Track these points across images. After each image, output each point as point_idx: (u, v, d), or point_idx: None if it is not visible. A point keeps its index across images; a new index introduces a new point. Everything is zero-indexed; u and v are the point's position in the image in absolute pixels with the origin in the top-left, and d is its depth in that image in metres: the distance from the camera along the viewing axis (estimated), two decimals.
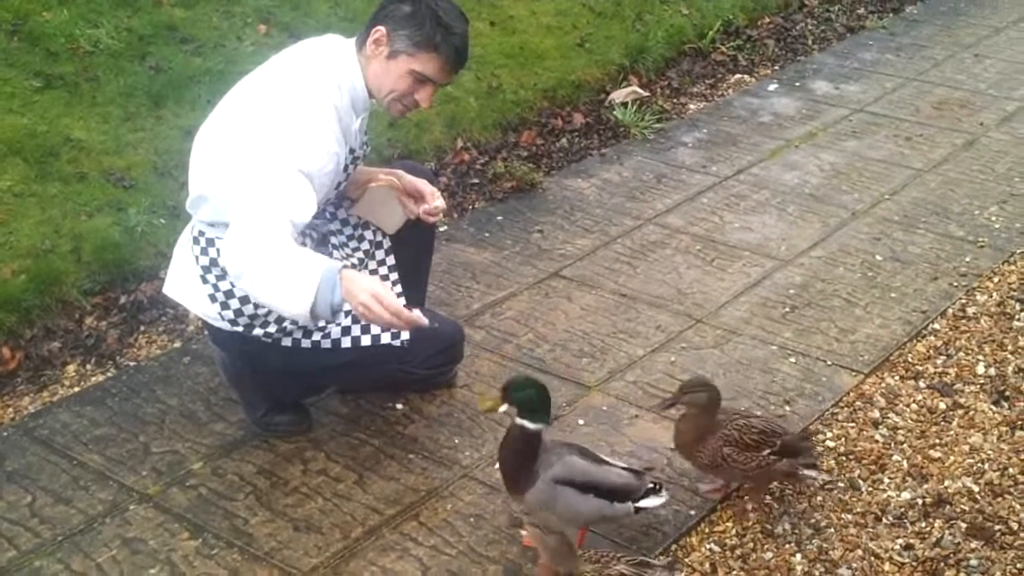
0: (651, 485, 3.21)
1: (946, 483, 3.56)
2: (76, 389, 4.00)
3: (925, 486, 3.55)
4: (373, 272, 3.74)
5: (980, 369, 4.12)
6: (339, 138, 3.36)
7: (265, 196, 3.17)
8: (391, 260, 3.77)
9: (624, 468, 3.19)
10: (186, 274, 3.54)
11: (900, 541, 3.33)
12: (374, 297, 3.07)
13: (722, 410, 3.35)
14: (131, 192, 4.81)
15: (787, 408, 3.90)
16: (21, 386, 4.01)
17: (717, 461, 3.28)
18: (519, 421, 3.08)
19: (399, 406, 3.89)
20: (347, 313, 3.52)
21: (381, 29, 3.36)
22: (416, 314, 3.15)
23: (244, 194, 3.20)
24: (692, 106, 6.60)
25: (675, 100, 6.64)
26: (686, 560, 3.25)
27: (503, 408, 3.11)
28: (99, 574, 3.18)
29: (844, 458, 3.67)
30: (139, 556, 3.25)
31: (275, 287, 3.09)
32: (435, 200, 3.73)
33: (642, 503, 3.17)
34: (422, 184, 3.74)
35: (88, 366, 4.13)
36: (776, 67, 7.23)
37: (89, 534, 3.33)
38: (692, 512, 3.42)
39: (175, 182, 4.78)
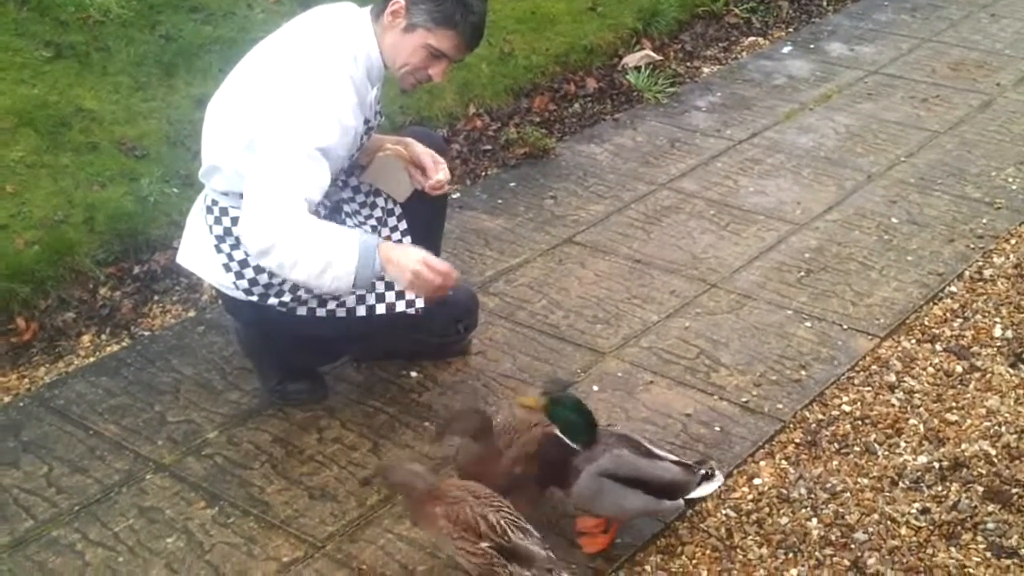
0: (708, 471, 3.14)
1: (963, 446, 3.55)
2: (91, 359, 4.01)
3: (942, 450, 3.54)
4: (386, 239, 3.72)
5: (997, 332, 4.10)
6: (355, 111, 3.34)
7: (280, 175, 3.17)
8: (403, 226, 3.76)
9: (675, 461, 3.10)
10: (200, 243, 3.53)
11: (917, 505, 3.33)
12: (424, 264, 3.21)
13: (504, 429, 3.17)
14: (143, 162, 4.80)
15: (803, 373, 3.88)
16: (36, 356, 4.02)
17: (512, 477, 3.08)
18: (559, 433, 3.03)
19: (413, 374, 3.89)
20: None
21: (400, 1, 3.32)
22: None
23: (259, 173, 3.20)
24: (706, 70, 6.55)
25: (688, 64, 6.59)
26: (701, 525, 3.25)
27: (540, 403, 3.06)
28: (116, 543, 3.20)
29: (860, 422, 3.66)
30: (156, 525, 3.26)
31: (312, 269, 3.16)
32: (437, 173, 3.69)
33: (694, 494, 3.11)
34: (424, 157, 3.69)
35: (103, 336, 4.14)
36: (790, 29, 7.16)
37: (106, 503, 3.34)
38: (713, 463, 3.41)
39: (187, 151, 4.77)
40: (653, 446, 3.13)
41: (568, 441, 3.02)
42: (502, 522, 2.84)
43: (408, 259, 3.21)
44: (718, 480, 3.16)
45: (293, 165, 3.18)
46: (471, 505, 2.86)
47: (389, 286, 3.54)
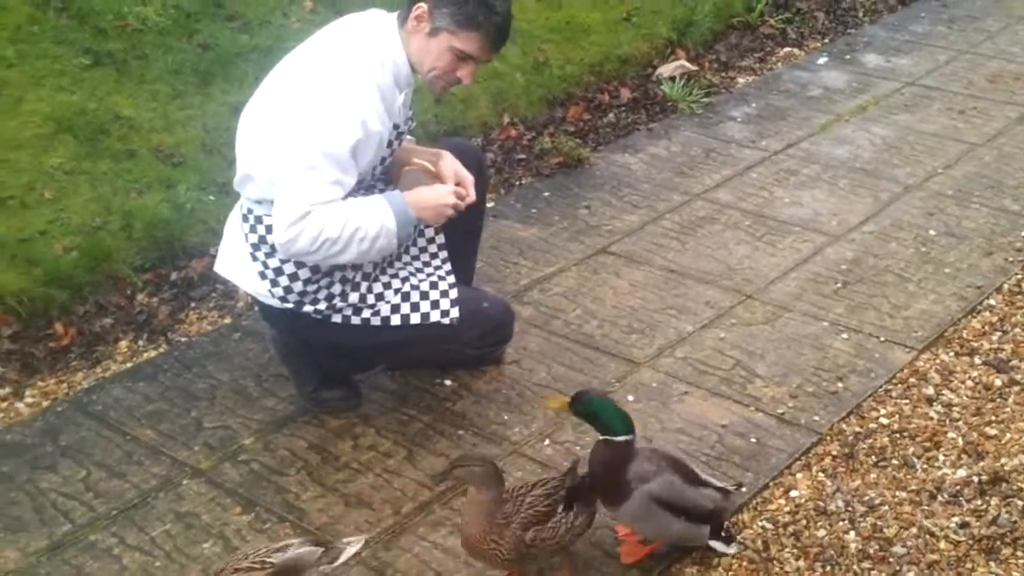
0: (730, 531, 3.15)
1: (1002, 460, 3.51)
2: (128, 365, 4.03)
3: (981, 463, 3.50)
4: (423, 250, 3.73)
5: None
6: (382, 117, 3.35)
7: (304, 180, 3.23)
8: (440, 238, 3.76)
9: (716, 488, 3.06)
10: (236, 252, 3.55)
11: (956, 519, 3.29)
12: (443, 206, 3.46)
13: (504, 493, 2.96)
14: (180, 169, 4.83)
15: (840, 385, 3.86)
16: (74, 362, 4.04)
17: (523, 550, 2.90)
18: (600, 437, 2.99)
19: (448, 382, 3.89)
20: (396, 291, 3.53)
21: (423, 6, 3.33)
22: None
23: (285, 178, 3.26)
24: (741, 80, 6.53)
25: (723, 74, 6.58)
26: (738, 538, 3.23)
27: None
28: (153, 548, 3.21)
29: (898, 435, 3.63)
30: (192, 530, 3.27)
31: (362, 247, 3.32)
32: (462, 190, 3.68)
33: (713, 543, 3.11)
34: (447, 177, 3.67)
35: (140, 342, 4.16)
36: (826, 40, 7.14)
37: (143, 508, 3.36)
38: (744, 489, 3.39)
39: (224, 159, 4.80)
40: (699, 469, 3.10)
41: (610, 437, 2.95)
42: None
43: (433, 202, 3.45)
44: (734, 548, 3.15)
45: (323, 169, 3.23)
46: None
47: (424, 296, 3.55)
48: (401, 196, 3.42)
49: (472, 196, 3.63)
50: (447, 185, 3.51)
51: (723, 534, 3.14)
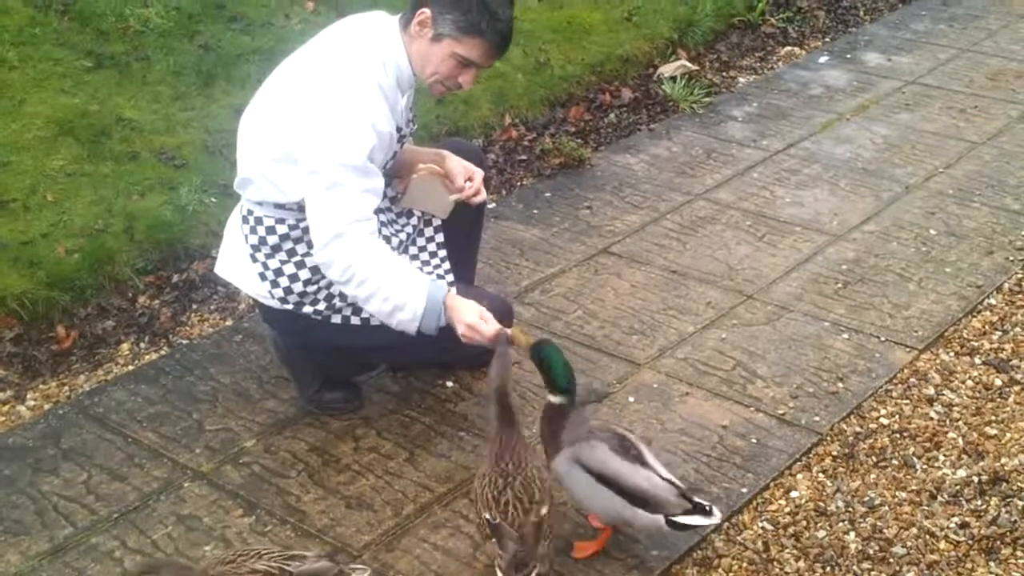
0: (703, 505, 3.00)
1: (1003, 460, 3.51)
2: (130, 367, 4.04)
3: (981, 463, 3.51)
4: (422, 249, 3.74)
5: None
6: (388, 117, 3.35)
7: (338, 198, 3.23)
8: (440, 237, 3.77)
9: (666, 479, 3.00)
10: (236, 253, 3.56)
11: (956, 519, 3.30)
12: (471, 328, 3.27)
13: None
14: (182, 171, 4.84)
15: (840, 385, 3.86)
16: (76, 364, 4.05)
17: None
18: (548, 396, 3.11)
19: (449, 384, 3.90)
20: None
21: (426, 11, 3.33)
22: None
23: (318, 197, 3.25)
24: (742, 79, 6.53)
25: (724, 74, 6.58)
26: (738, 538, 3.23)
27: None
28: (154, 551, 3.22)
29: (898, 435, 3.64)
30: (194, 533, 3.28)
31: (383, 307, 3.29)
32: (470, 185, 3.68)
33: (681, 519, 2.98)
34: (456, 174, 3.68)
35: (142, 344, 4.17)
36: (827, 39, 7.14)
37: (144, 511, 3.36)
38: (744, 490, 3.40)
39: (226, 161, 4.81)
40: (651, 455, 3.06)
41: (551, 398, 3.08)
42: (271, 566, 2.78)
43: (458, 319, 3.28)
44: (714, 518, 3.01)
45: (349, 184, 3.22)
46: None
47: None
48: (444, 290, 3.32)
49: (480, 189, 3.69)
50: (493, 325, 3.30)
51: (701, 506, 3.01)
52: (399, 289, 3.25)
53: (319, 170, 3.23)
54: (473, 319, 3.27)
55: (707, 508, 3.00)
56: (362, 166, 3.25)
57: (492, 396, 3.06)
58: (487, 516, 2.93)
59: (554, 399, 3.10)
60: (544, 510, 2.93)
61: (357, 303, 3.37)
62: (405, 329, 3.32)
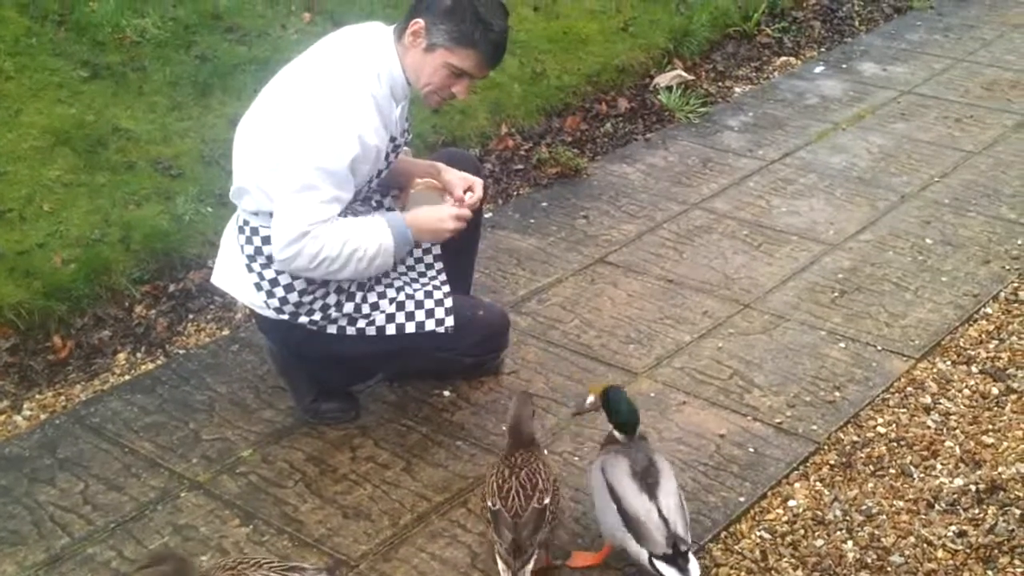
0: (683, 558, 2.90)
1: (1000, 469, 3.52)
2: (126, 377, 4.04)
3: (978, 472, 3.51)
4: (418, 260, 3.74)
5: None
6: (379, 129, 3.36)
7: (303, 197, 3.26)
8: (436, 249, 3.77)
9: (662, 518, 2.93)
10: (232, 263, 3.56)
11: (953, 528, 3.30)
12: (449, 219, 3.50)
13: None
14: (179, 181, 4.84)
15: (837, 394, 3.86)
16: (72, 374, 4.05)
17: None
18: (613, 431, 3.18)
19: (446, 393, 3.90)
20: (391, 301, 3.54)
21: (420, 22, 3.34)
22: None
23: (284, 195, 3.28)
24: (737, 89, 6.55)
25: (720, 83, 6.59)
26: (736, 547, 3.23)
27: (589, 400, 3.24)
28: (170, 550, 3.20)
29: (896, 444, 3.64)
30: (190, 543, 3.27)
31: (359, 266, 3.36)
32: (470, 195, 3.70)
33: (660, 565, 2.89)
34: (455, 186, 3.69)
35: (138, 354, 4.16)
36: (822, 49, 7.15)
37: (141, 521, 3.36)
38: (742, 499, 3.40)
39: (222, 170, 4.81)
40: (668, 491, 2.99)
41: (615, 427, 3.15)
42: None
43: (426, 227, 3.47)
44: (693, 570, 2.89)
45: (321, 188, 3.25)
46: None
47: (418, 305, 3.56)
48: (400, 216, 3.46)
49: (480, 195, 3.72)
50: (448, 206, 3.54)
51: (679, 561, 2.91)
52: (365, 242, 3.34)
53: (295, 170, 3.25)
54: (443, 214, 3.49)
55: (685, 563, 2.90)
56: (339, 173, 3.26)
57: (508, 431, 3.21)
58: (488, 503, 3.00)
59: (618, 435, 3.16)
60: (547, 499, 2.98)
61: (329, 277, 3.41)
62: (384, 269, 3.46)
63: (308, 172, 3.24)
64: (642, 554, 2.93)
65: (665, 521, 2.93)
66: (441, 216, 3.50)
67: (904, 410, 3.80)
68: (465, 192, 3.69)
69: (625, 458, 3.05)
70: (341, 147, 3.25)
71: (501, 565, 2.95)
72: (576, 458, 3.58)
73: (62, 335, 4.14)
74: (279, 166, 3.29)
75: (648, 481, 3.00)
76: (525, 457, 3.09)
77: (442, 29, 3.33)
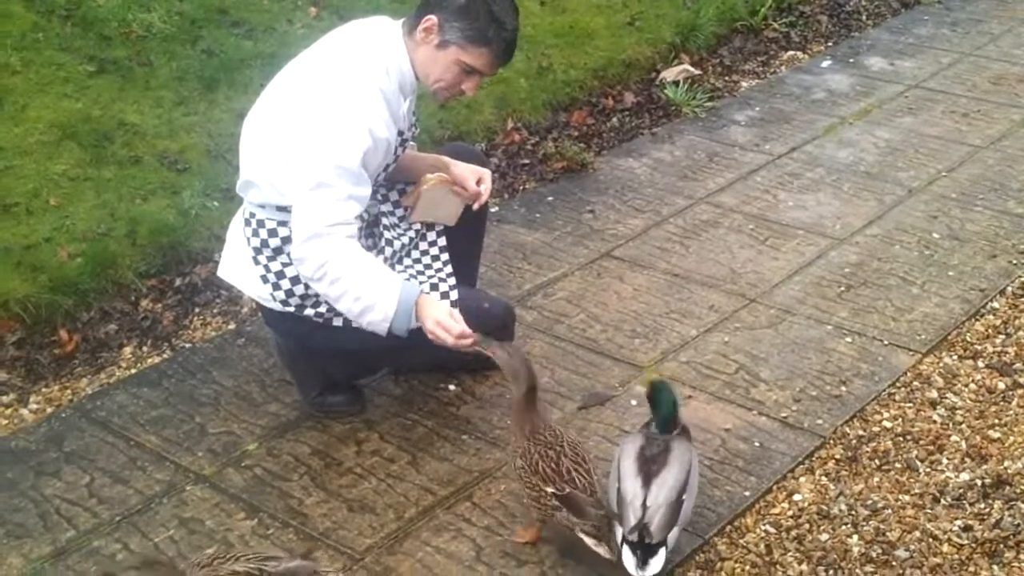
0: (629, 547, 2.93)
1: (1006, 464, 3.51)
2: (132, 371, 4.04)
3: (984, 467, 3.50)
4: (424, 252, 3.74)
5: None
6: (388, 123, 3.36)
7: (322, 198, 3.24)
8: (442, 242, 3.77)
9: (643, 506, 2.95)
10: (238, 256, 3.56)
11: (959, 522, 3.29)
12: (439, 325, 3.28)
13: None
14: (185, 175, 4.84)
15: (843, 388, 3.86)
16: (79, 368, 4.05)
17: None
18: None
19: (452, 387, 3.90)
20: None
21: (433, 18, 3.34)
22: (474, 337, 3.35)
23: (302, 195, 3.27)
24: (744, 84, 6.53)
25: (727, 78, 6.58)
26: (741, 541, 3.23)
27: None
28: (156, 554, 3.21)
29: (902, 439, 3.63)
30: (196, 536, 3.28)
31: (353, 307, 3.29)
32: (481, 188, 3.73)
33: (624, 548, 2.94)
34: (467, 179, 3.70)
35: (144, 348, 4.17)
36: (829, 43, 7.13)
37: (147, 514, 3.36)
38: (747, 493, 3.40)
39: (228, 165, 4.81)
40: (668, 484, 3.00)
41: (653, 426, 3.19)
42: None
43: (426, 315, 3.30)
44: (653, 564, 2.91)
45: (336, 185, 3.23)
46: None
47: None
48: (417, 291, 3.33)
49: (489, 186, 3.73)
50: (459, 326, 3.30)
51: (642, 552, 2.93)
52: (370, 289, 3.26)
53: (309, 168, 3.24)
54: (442, 316, 3.29)
55: (648, 556, 2.91)
56: (353, 170, 3.25)
57: (522, 385, 3.16)
58: (551, 490, 3.00)
59: (655, 428, 3.20)
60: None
61: (328, 301, 3.37)
62: (376, 329, 3.32)
63: (320, 169, 3.23)
64: (618, 532, 3.00)
65: (644, 509, 2.96)
66: (449, 325, 3.29)
67: (910, 404, 3.79)
68: (478, 183, 3.70)
69: (643, 440, 3.11)
70: (352, 141, 3.24)
71: (591, 541, 2.99)
72: None
73: (68, 329, 4.15)
74: (291, 162, 3.29)
75: (651, 468, 3.03)
76: (550, 429, 3.11)
77: (456, 27, 3.33)
